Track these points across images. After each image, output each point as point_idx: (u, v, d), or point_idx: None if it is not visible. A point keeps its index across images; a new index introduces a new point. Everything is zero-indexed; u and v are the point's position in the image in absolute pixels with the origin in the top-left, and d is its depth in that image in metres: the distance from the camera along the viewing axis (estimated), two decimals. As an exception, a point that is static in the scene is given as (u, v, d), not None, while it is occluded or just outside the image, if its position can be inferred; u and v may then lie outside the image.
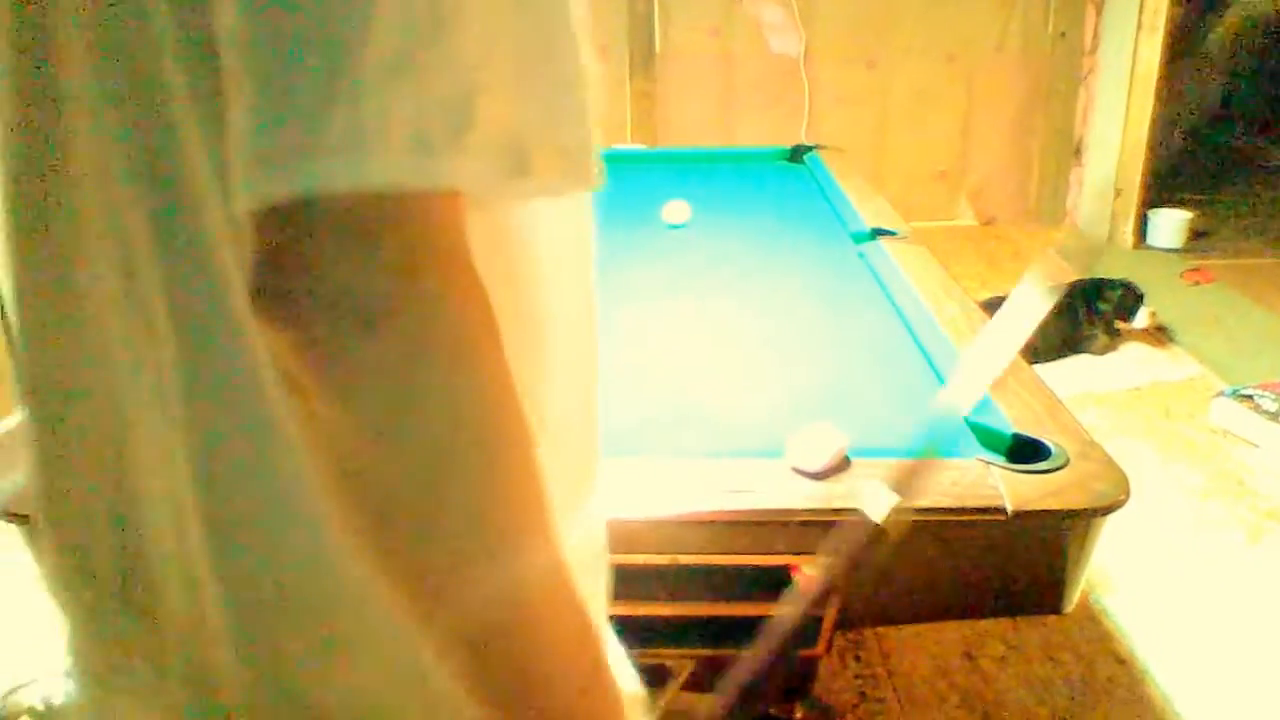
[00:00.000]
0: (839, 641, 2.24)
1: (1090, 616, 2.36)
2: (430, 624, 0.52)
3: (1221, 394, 3.33)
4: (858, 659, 2.23)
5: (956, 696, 2.13)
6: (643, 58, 5.43)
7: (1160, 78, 5.00)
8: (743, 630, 1.45)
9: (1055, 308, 3.52)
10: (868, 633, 2.29)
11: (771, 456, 1.36)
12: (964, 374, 1.28)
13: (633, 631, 1.45)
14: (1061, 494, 1.28)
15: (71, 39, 0.57)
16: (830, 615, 1.37)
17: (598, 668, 0.59)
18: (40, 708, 1.27)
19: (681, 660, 1.57)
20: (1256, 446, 3.15)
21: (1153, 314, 3.84)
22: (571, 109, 0.53)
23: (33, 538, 0.89)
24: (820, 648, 1.42)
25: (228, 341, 0.57)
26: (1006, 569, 1.38)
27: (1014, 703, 2.11)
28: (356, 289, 0.45)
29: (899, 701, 2.11)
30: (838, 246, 2.49)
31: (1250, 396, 3.24)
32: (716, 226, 2.75)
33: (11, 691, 1.29)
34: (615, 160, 3.46)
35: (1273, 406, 3.18)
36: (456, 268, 0.49)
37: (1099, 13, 5.31)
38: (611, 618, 1.41)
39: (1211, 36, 6.32)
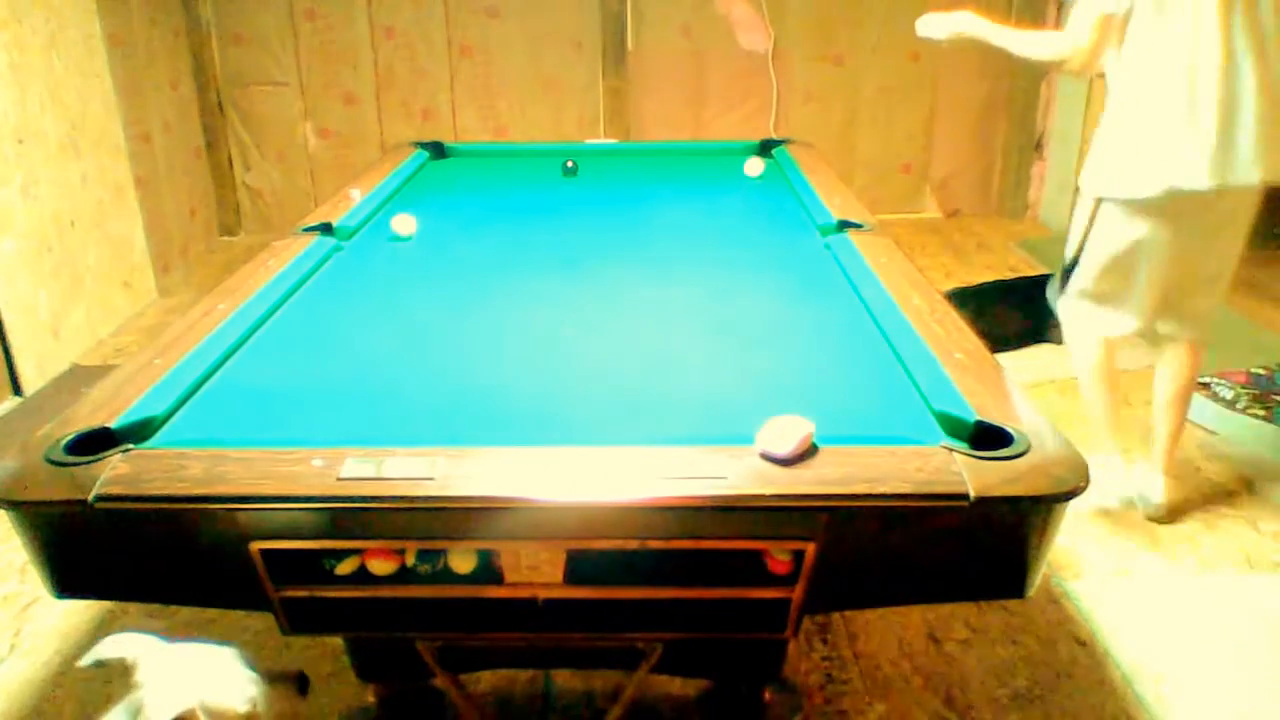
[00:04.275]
0: (806, 625, 2.28)
1: (1051, 600, 2.42)
2: None
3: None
4: (824, 641, 2.27)
5: (920, 678, 2.17)
6: (615, 55, 5.46)
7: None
8: (711, 613, 1.48)
9: (1018, 298, 3.61)
10: (834, 616, 2.33)
11: (740, 443, 1.39)
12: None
13: (604, 614, 1.49)
14: (1023, 480, 1.32)
15: None
16: (798, 599, 1.41)
17: None
18: (129, 661, 1.34)
19: (652, 642, 1.60)
20: (1214, 433, 3.22)
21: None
22: None
23: None
24: (788, 631, 1.45)
25: None
26: (969, 554, 1.41)
27: (976, 684, 2.16)
28: None
29: (864, 683, 2.15)
30: (805, 239, 2.53)
31: (1208, 385, 3.32)
32: (686, 220, 2.79)
33: (101, 647, 1.35)
34: (588, 155, 3.48)
35: (1229, 394, 3.26)
36: None
37: (1060, 11, 5.38)
38: (583, 601, 1.44)
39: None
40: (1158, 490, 2.76)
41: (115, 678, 1.38)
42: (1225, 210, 2.47)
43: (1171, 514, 2.78)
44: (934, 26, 2.71)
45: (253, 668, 1.39)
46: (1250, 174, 2.35)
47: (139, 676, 1.33)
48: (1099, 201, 2.55)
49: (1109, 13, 2.35)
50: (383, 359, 1.83)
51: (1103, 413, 2.81)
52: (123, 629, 1.39)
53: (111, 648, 1.35)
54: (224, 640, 1.42)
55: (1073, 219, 2.67)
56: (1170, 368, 2.74)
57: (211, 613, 2.20)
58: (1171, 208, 2.42)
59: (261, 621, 1.48)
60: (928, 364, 1.67)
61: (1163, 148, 2.37)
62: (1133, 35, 2.37)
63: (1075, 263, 2.67)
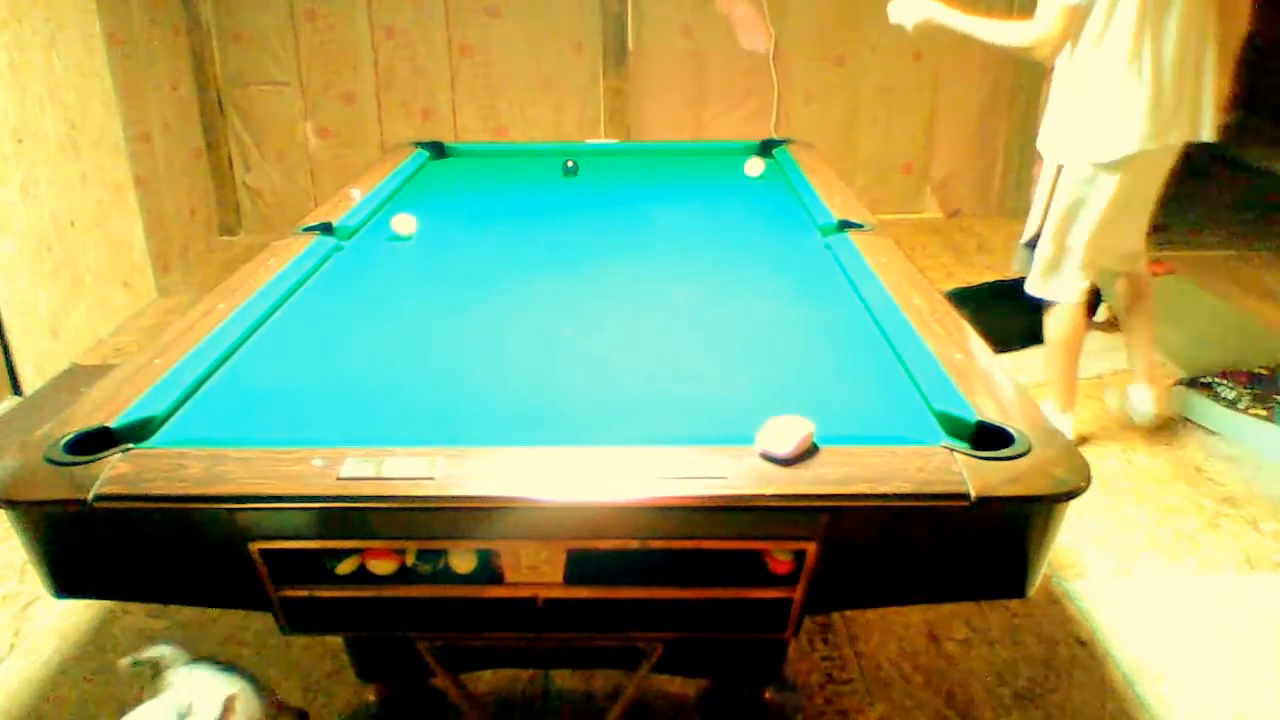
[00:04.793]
0: (807, 624, 2.27)
1: (1052, 600, 2.42)
2: None
3: (1180, 383, 3.40)
4: (825, 641, 2.27)
5: (921, 678, 2.17)
6: (615, 55, 5.45)
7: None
8: (712, 613, 1.48)
9: (1018, 298, 3.61)
10: (835, 616, 2.33)
11: (740, 443, 1.39)
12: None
13: (604, 614, 1.49)
14: (1024, 480, 1.32)
15: None
16: (798, 599, 1.41)
17: None
18: (164, 664, 1.44)
19: (653, 642, 1.60)
20: (1215, 434, 3.22)
21: (1110, 306, 3.91)
22: None
23: None
24: (789, 631, 1.45)
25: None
26: (970, 554, 1.41)
27: (977, 684, 2.15)
28: None
29: (865, 683, 2.15)
30: (806, 239, 2.52)
31: (1209, 385, 3.32)
32: (687, 220, 2.78)
33: (145, 650, 1.45)
34: (589, 155, 3.48)
35: (1231, 395, 3.26)
36: None
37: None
38: (583, 601, 1.44)
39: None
40: (1147, 400, 3.17)
41: (128, 680, 1.40)
42: (1163, 165, 2.85)
43: (1160, 422, 3.24)
44: (903, 12, 2.92)
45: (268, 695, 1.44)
46: (1186, 134, 2.75)
47: (172, 676, 1.36)
48: (1060, 170, 2.84)
49: (1075, 5, 2.58)
50: (383, 359, 1.83)
51: (1069, 379, 3.09)
52: (123, 629, 1.42)
53: (154, 650, 1.40)
54: (225, 644, 1.44)
55: (1034, 197, 3.00)
56: (1124, 287, 3.12)
57: (211, 612, 2.20)
58: (1131, 165, 2.74)
59: (261, 621, 1.48)
60: (928, 364, 1.67)
61: (1125, 116, 2.68)
62: (1093, 21, 2.63)
63: (1038, 236, 2.96)
